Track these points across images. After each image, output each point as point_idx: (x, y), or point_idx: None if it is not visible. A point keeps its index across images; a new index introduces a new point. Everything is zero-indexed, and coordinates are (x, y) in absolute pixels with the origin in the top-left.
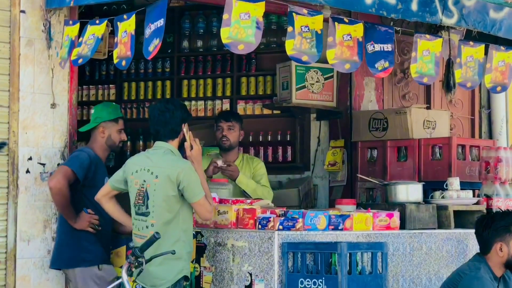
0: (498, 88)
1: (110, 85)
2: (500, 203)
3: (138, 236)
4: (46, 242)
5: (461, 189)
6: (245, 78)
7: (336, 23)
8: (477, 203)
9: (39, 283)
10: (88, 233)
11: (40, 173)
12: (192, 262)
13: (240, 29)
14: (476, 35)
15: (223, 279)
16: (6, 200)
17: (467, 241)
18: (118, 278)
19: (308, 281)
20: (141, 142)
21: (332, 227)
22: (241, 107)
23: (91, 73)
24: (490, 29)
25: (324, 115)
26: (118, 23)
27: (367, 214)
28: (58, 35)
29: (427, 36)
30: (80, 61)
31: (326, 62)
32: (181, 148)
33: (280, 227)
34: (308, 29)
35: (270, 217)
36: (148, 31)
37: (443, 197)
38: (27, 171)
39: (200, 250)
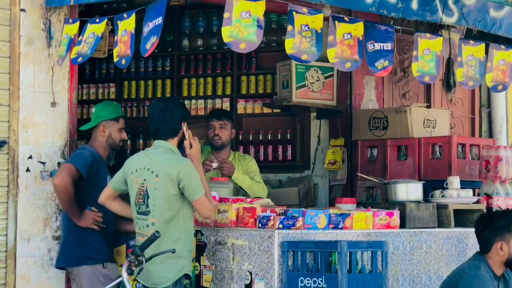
0: (499, 87)
1: (110, 84)
2: (500, 202)
3: (140, 235)
4: (46, 240)
5: (461, 188)
6: (245, 77)
7: (336, 22)
8: (477, 202)
9: (39, 282)
10: (93, 231)
11: (40, 171)
12: (192, 260)
13: (241, 28)
14: (476, 34)
15: (223, 278)
16: (6, 199)
17: (467, 240)
18: (119, 276)
19: (308, 279)
20: (141, 141)
21: (332, 226)
22: (241, 106)
23: (91, 72)
24: (490, 28)
25: (324, 114)
26: (118, 21)
27: (367, 213)
28: (58, 34)
29: (428, 35)
30: (79, 59)
31: (326, 61)
32: (180, 146)
33: (280, 226)
34: (308, 28)
35: (270, 216)
36: (146, 29)
37: (443, 196)
38: (27, 170)
39: (200, 248)
